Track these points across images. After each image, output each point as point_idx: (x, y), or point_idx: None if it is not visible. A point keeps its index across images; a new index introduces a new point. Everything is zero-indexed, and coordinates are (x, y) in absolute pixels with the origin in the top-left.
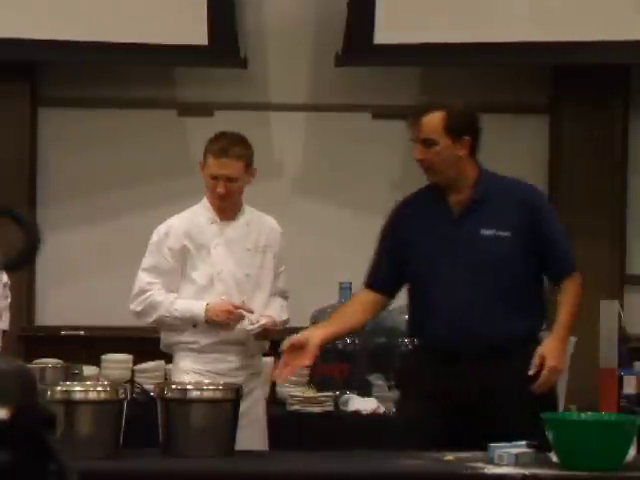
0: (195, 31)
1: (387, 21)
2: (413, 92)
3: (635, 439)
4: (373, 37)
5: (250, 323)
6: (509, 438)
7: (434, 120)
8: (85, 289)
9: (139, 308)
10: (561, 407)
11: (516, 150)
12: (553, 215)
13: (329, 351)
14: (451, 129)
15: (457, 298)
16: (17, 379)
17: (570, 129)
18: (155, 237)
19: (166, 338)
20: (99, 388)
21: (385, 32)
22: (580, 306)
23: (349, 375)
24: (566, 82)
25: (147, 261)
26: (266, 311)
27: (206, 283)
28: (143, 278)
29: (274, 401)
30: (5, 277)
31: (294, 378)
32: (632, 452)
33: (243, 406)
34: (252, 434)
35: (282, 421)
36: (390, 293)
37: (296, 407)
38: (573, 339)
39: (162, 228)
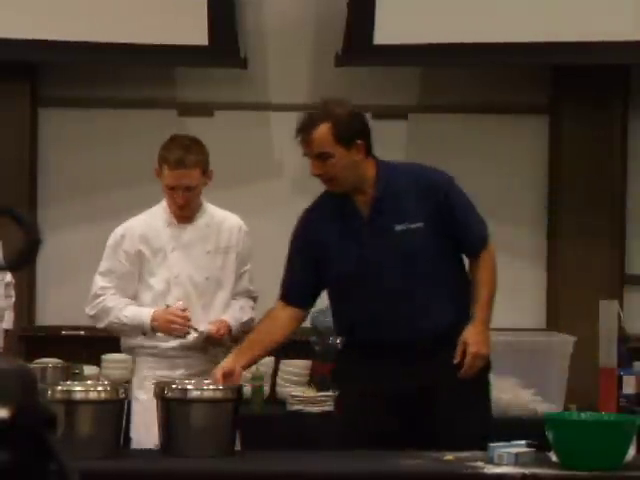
0: (195, 31)
1: (387, 21)
2: (413, 92)
3: (635, 439)
4: (373, 37)
5: (194, 330)
6: (445, 430)
7: (323, 133)
8: (85, 289)
9: (92, 312)
10: (561, 407)
11: (516, 150)
12: (458, 194)
13: (329, 351)
14: (342, 138)
15: (381, 296)
16: (17, 379)
17: (570, 129)
18: (111, 240)
19: (125, 342)
20: (99, 388)
21: (385, 32)
22: (495, 278)
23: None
24: (566, 82)
25: (103, 264)
26: (224, 314)
27: (163, 288)
28: (97, 282)
29: (274, 401)
30: (9, 276)
31: (294, 378)
32: (632, 452)
33: None
34: None
35: (282, 421)
36: (307, 305)
37: (296, 407)
38: (572, 339)
39: (119, 231)
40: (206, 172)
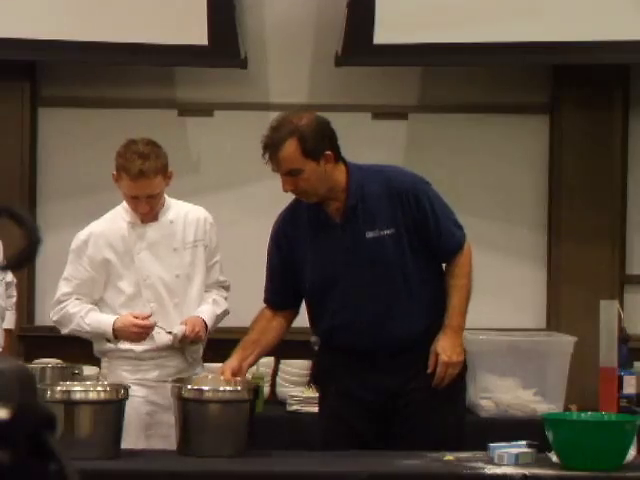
0: (195, 31)
1: (387, 21)
2: (413, 92)
3: (635, 439)
4: (373, 37)
5: (167, 333)
6: (418, 433)
7: (291, 150)
8: None
9: (55, 318)
10: (561, 407)
11: (516, 150)
12: (432, 197)
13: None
14: (310, 152)
15: (353, 303)
16: (17, 379)
17: (570, 129)
18: (74, 245)
19: (98, 345)
20: (99, 388)
21: (385, 32)
22: (469, 283)
23: None
24: (566, 82)
25: (67, 270)
26: (197, 310)
27: (134, 291)
28: (61, 287)
29: (274, 401)
30: (10, 276)
31: (294, 378)
32: (632, 452)
33: None
34: None
35: (282, 421)
36: (294, 306)
37: (296, 407)
38: (573, 339)
39: (81, 236)
40: (166, 175)
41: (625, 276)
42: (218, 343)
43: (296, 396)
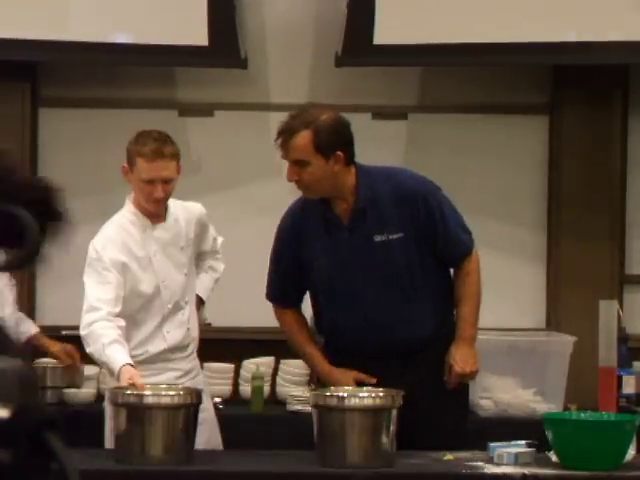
0: (195, 31)
1: (387, 21)
2: (413, 92)
3: (635, 439)
4: (373, 37)
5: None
6: (424, 433)
7: (303, 141)
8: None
9: (84, 333)
10: (561, 407)
11: (516, 150)
12: (442, 201)
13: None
14: (322, 148)
15: (359, 305)
16: (17, 379)
17: (570, 129)
18: (92, 253)
19: None
20: (172, 392)
21: (385, 32)
22: (479, 291)
23: None
24: (566, 82)
25: (90, 277)
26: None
27: (152, 292)
28: (91, 293)
29: (274, 401)
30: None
31: (294, 378)
32: (632, 452)
33: None
34: (205, 433)
35: (282, 421)
36: (298, 305)
37: (296, 407)
38: (572, 339)
39: (98, 243)
40: (178, 165)
41: (625, 276)
42: (218, 343)
43: (296, 396)
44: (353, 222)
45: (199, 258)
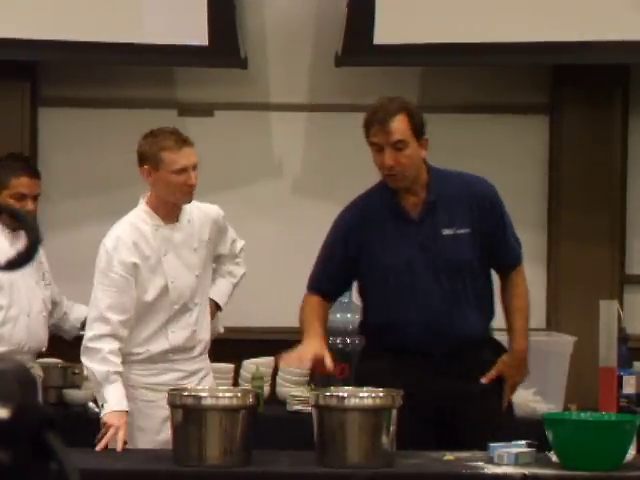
0: (195, 31)
1: (387, 21)
2: (413, 92)
3: (635, 439)
4: (373, 37)
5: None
6: (470, 435)
7: (402, 122)
8: (85, 289)
9: (90, 344)
10: (561, 407)
11: (516, 150)
12: (503, 207)
13: (329, 351)
14: (416, 131)
15: (420, 297)
16: (17, 379)
17: (570, 129)
18: (103, 253)
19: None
20: (229, 394)
21: (385, 32)
22: (529, 303)
23: (349, 375)
24: (566, 82)
25: (100, 279)
26: (212, 293)
27: (157, 295)
28: (98, 299)
29: (274, 401)
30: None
31: (294, 378)
32: (632, 452)
33: None
34: None
35: (282, 421)
36: (334, 297)
37: (296, 407)
38: (572, 339)
39: (109, 242)
40: None
41: (625, 276)
42: (218, 343)
43: (296, 396)
44: (423, 215)
45: (218, 262)
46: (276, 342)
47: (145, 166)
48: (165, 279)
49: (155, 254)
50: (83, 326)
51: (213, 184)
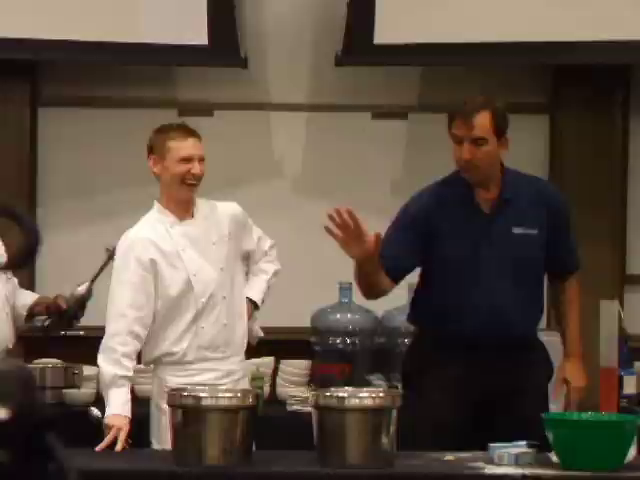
0: (195, 31)
1: (387, 21)
2: (413, 92)
3: (635, 439)
4: (373, 37)
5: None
6: (520, 432)
7: (485, 119)
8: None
9: (106, 341)
10: (561, 407)
11: (516, 150)
12: (569, 213)
13: (329, 351)
14: (498, 129)
15: (491, 295)
16: (17, 379)
17: (570, 129)
18: (120, 252)
19: (149, 353)
20: (229, 394)
21: (385, 32)
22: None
23: (349, 375)
24: (566, 82)
25: (120, 277)
26: (247, 292)
27: (180, 290)
28: (117, 298)
29: (274, 401)
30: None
31: (294, 378)
32: (632, 452)
33: None
34: None
35: (282, 421)
36: (398, 279)
37: (296, 407)
38: None
39: (126, 240)
40: None
41: (625, 276)
42: None
43: (296, 396)
44: (495, 212)
45: (249, 260)
46: (276, 342)
47: (152, 156)
48: (187, 273)
49: (173, 249)
50: (30, 314)
51: (213, 184)
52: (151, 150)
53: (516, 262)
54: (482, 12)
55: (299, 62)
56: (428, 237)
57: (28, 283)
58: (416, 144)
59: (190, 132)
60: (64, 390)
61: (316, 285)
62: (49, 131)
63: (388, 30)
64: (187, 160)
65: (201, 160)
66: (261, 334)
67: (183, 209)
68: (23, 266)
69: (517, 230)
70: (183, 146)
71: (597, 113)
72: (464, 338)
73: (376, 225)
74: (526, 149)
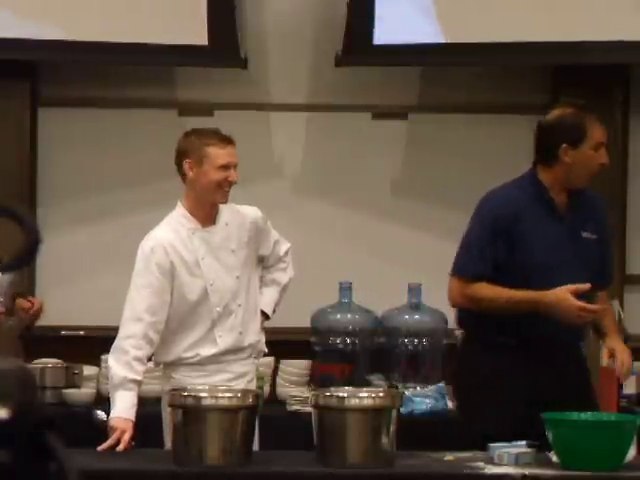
0: (195, 31)
1: (387, 21)
2: (413, 92)
3: (635, 439)
4: (373, 37)
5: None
6: None
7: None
8: (85, 289)
9: (119, 342)
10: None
11: (516, 150)
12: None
13: (329, 351)
14: None
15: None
16: (17, 379)
17: None
18: (141, 255)
19: (163, 355)
20: (229, 394)
21: (385, 32)
22: None
23: (349, 375)
24: (566, 82)
25: (138, 280)
26: (260, 304)
27: (198, 297)
28: (136, 300)
29: (274, 401)
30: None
31: (294, 378)
32: (632, 452)
33: None
34: None
35: (282, 421)
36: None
37: (296, 407)
38: None
39: (147, 244)
40: None
41: (625, 276)
42: None
43: (296, 396)
44: (568, 215)
45: (263, 268)
46: (276, 342)
47: (187, 160)
48: (204, 281)
49: (193, 257)
50: None
51: None
52: (184, 154)
53: (583, 264)
54: (482, 12)
55: (299, 62)
56: (510, 242)
57: (28, 283)
58: (416, 144)
59: (228, 140)
60: (64, 390)
61: (316, 285)
62: (49, 131)
63: (388, 30)
64: (225, 167)
65: (236, 167)
66: (265, 350)
67: (208, 214)
68: (23, 266)
69: (584, 233)
70: (222, 153)
71: (597, 113)
72: (539, 339)
73: (376, 225)
74: (526, 149)
